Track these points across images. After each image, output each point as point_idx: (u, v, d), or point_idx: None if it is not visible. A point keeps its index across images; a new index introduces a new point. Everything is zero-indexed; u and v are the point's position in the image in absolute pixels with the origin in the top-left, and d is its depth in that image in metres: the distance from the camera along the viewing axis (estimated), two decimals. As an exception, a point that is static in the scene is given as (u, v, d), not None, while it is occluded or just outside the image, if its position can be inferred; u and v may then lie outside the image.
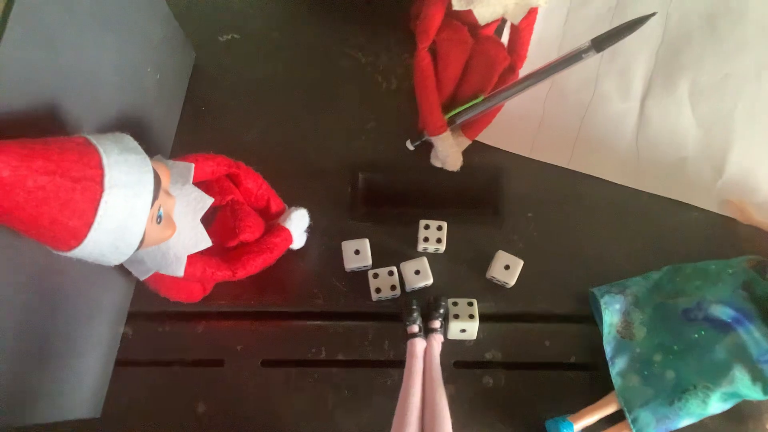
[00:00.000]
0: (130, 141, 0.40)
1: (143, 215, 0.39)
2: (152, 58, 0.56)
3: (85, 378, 0.54)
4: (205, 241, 0.47)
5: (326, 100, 0.66)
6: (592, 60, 0.59)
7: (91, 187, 0.36)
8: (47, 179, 0.35)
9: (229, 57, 0.67)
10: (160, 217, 0.41)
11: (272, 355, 0.60)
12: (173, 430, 0.58)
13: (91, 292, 0.53)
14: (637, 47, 0.66)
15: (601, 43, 0.50)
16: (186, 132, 0.64)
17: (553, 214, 0.64)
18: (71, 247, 0.38)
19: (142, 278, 0.46)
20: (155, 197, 0.40)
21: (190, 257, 0.46)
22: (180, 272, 0.45)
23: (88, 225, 0.38)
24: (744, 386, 0.54)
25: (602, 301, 0.59)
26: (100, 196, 0.37)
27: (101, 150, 0.37)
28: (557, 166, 0.64)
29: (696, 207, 0.65)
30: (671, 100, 0.65)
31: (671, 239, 0.64)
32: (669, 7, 0.67)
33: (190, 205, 0.46)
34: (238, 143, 0.56)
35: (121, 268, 0.56)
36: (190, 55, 0.64)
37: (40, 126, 0.41)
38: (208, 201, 0.47)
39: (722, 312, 0.56)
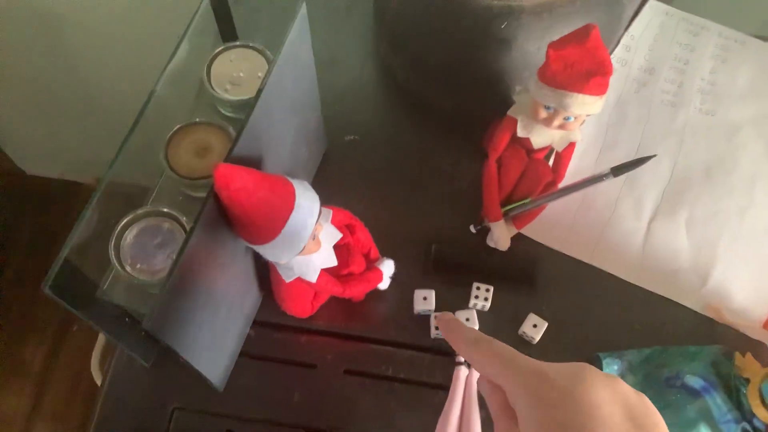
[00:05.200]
0: (308, 185, 0.60)
1: (309, 230, 0.58)
2: (307, 141, 0.78)
3: (223, 357, 0.72)
4: (333, 261, 0.65)
5: (415, 189, 0.85)
6: (615, 187, 0.81)
7: (288, 206, 0.57)
8: (269, 194, 0.56)
9: (349, 151, 0.87)
10: (314, 236, 0.63)
11: (352, 367, 0.75)
12: (275, 411, 0.73)
13: (240, 295, 0.72)
14: (651, 182, 0.85)
15: (617, 170, 0.70)
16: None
17: (574, 294, 0.79)
18: (264, 242, 0.57)
19: (288, 281, 0.65)
20: (317, 221, 0.61)
21: (321, 271, 0.67)
22: (314, 279, 0.64)
23: (280, 229, 0.56)
24: (707, 439, 0.70)
25: (604, 362, 0.74)
26: (291, 213, 0.57)
27: (295, 185, 0.59)
28: (580, 260, 0.82)
29: (684, 306, 0.79)
30: (672, 225, 0.83)
31: (662, 326, 0.78)
32: (678, 156, 0.87)
33: (327, 236, 0.65)
34: (351, 211, 0.78)
35: (259, 285, 0.76)
36: (324, 145, 0.85)
37: (256, 165, 0.61)
38: (338, 235, 0.65)
39: (695, 382, 0.71)
